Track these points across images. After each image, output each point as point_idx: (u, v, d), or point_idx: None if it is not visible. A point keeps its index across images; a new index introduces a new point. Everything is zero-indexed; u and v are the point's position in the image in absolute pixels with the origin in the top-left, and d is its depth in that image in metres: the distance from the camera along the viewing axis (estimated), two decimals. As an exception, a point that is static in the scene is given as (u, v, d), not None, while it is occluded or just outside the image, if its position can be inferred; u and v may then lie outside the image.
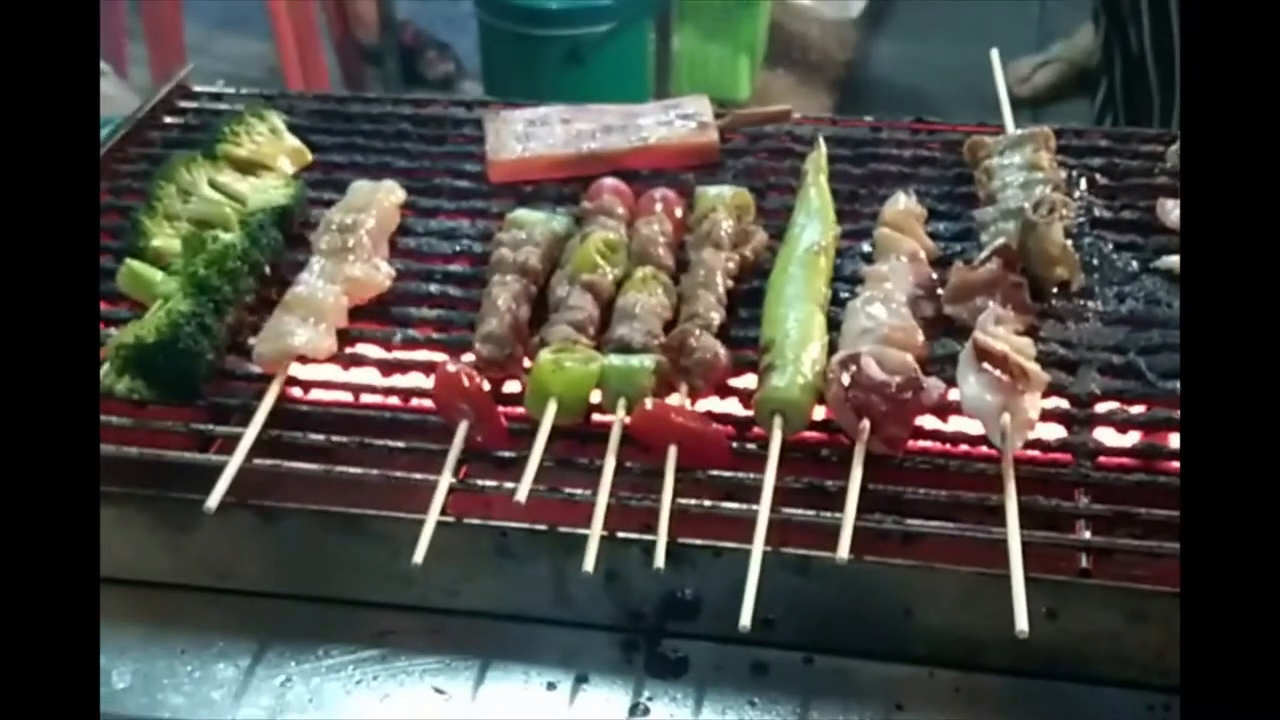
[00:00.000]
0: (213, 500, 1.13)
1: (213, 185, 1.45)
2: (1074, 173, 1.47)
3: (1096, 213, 1.42)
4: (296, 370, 1.28)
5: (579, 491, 1.15)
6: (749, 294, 1.33)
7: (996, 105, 1.59)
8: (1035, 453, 1.17)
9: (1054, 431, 1.19)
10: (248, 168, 1.50)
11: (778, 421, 1.17)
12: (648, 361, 1.21)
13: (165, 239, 1.38)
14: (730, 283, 1.32)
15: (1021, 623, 1.00)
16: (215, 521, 1.15)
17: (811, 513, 1.13)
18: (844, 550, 1.07)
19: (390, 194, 1.45)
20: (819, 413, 1.19)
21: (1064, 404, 1.21)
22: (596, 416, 1.22)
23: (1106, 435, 1.20)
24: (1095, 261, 1.36)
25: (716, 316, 1.27)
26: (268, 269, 1.36)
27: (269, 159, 1.52)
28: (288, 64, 3.52)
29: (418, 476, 1.17)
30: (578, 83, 3.37)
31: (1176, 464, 1.17)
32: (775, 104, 1.61)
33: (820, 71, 4.08)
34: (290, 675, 1.16)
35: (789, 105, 1.60)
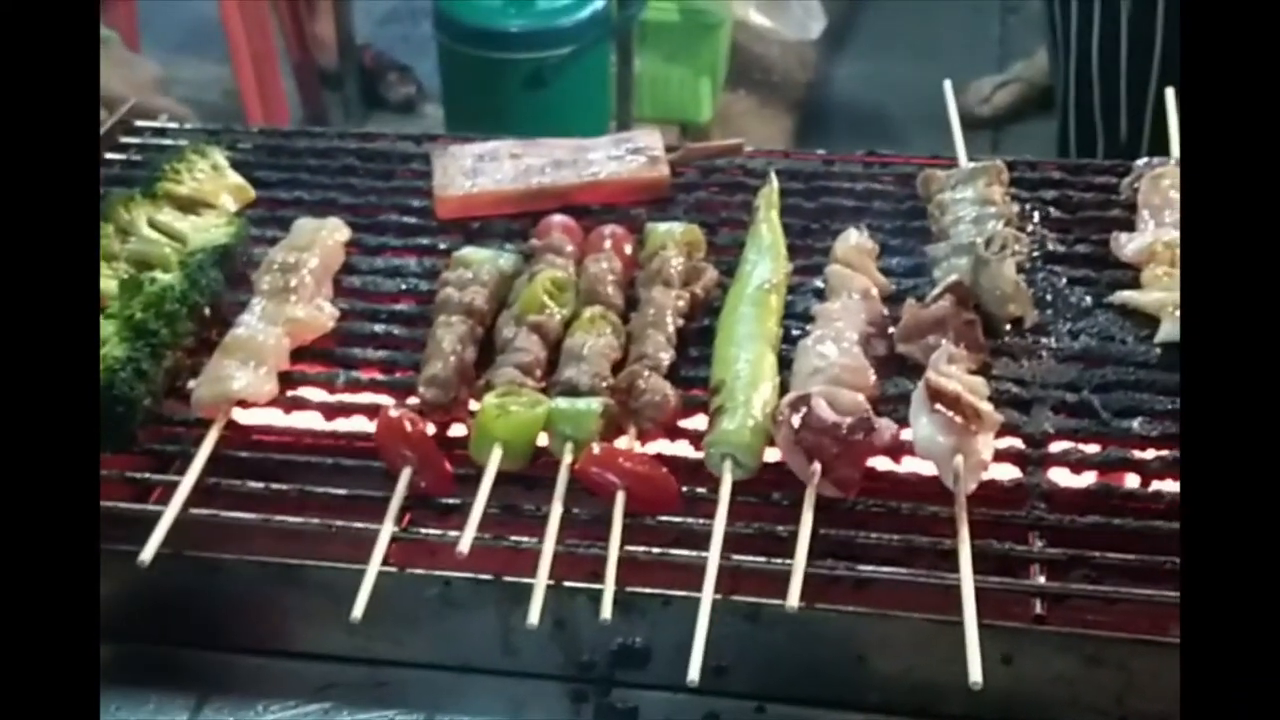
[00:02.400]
0: (147, 553, 1.10)
1: (152, 224, 1.42)
2: (1027, 206, 1.46)
3: (1050, 247, 1.41)
4: (237, 415, 1.25)
5: (525, 539, 1.13)
6: (699, 332, 1.31)
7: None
8: (989, 494, 1.15)
9: (1008, 472, 1.18)
10: (189, 206, 1.47)
11: (728, 465, 1.15)
12: (595, 404, 1.19)
13: (102, 280, 1.34)
14: (680, 321, 1.30)
15: (975, 674, 0.98)
16: (151, 573, 1.12)
17: (762, 559, 1.11)
18: (794, 599, 1.05)
19: (334, 232, 1.43)
20: (772, 454, 1.17)
21: (1018, 443, 1.20)
22: (544, 461, 1.19)
23: (1061, 475, 1.18)
24: (1048, 297, 1.34)
25: (666, 357, 1.25)
26: (208, 310, 1.33)
27: (210, 196, 1.49)
28: (246, 88, 3.49)
29: (360, 525, 1.14)
30: (539, 106, 3.35)
31: (1131, 504, 1.16)
32: (737, 126, 1.60)
33: (781, 93, 4.07)
34: (229, 732, 1.14)
35: (741, 139, 1.59)
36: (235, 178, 1.53)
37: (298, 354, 1.31)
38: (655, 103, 3.77)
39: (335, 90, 3.89)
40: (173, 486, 1.17)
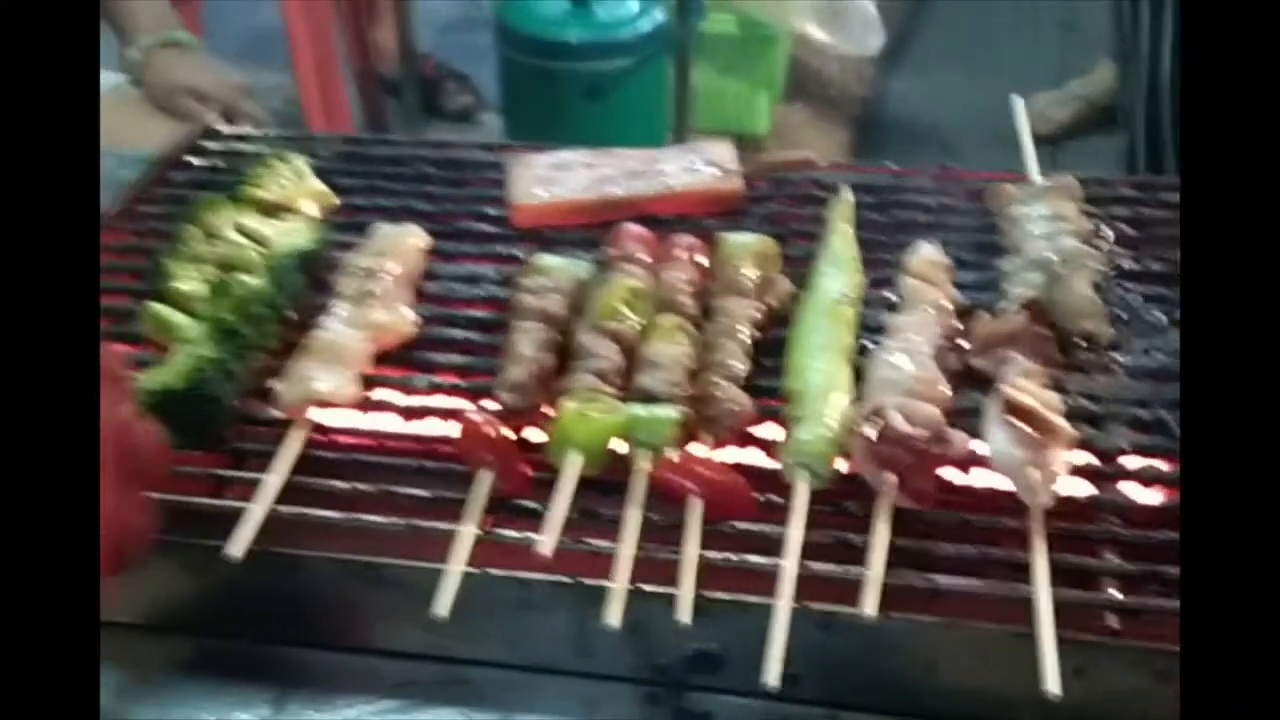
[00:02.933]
0: (237, 548, 1.13)
1: (237, 229, 1.45)
2: (1099, 223, 1.46)
3: (1122, 264, 1.42)
4: (318, 416, 1.28)
5: (602, 543, 1.14)
6: (773, 343, 1.33)
7: (1015, 143, 1.59)
8: (1063, 509, 1.16)
9: (1082, 487, 1.18)
10: (272, 210, 1.50)
11: (803, 474, 1.16)
12: (672, 412, 1.21)
13: (189, 282, 1.38)
14: (754, 331, 1.32)
15: (1053, 684, 0.99)
16: (236, 568, 1.14)
17: (837, 567, 1.12)
18: (870, 606, 1.06)
19: (413, 238, 1.45)
20: (846, 464, 1.18)
21: (1091, 459, 1.20)
22: (620, 466, 1.21)
23: (1134, 491, 1.19)
24: (1121, 314, 1.35)
25: (741, 366, 1.27)
26: (292, 314, 1.36)
27: (293, 202, 1.52)
28: (308, 96, 3.54)
29: (440, 525, 1.16)
30: (597, 117, 3.38)
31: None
32: (793, 140, 1.62)
33: (838, 107, 4.09)
34: (310, 726, 1.16)
35: (813, 152, 1.60)
36: (317, 183, 1.56)
37: (378, 358, 1.34)
38: (712, 115, 3.79)
39: (395, 98, 3.93)
40: (256, 484, 1.19)
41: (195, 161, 1.66)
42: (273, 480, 1.19)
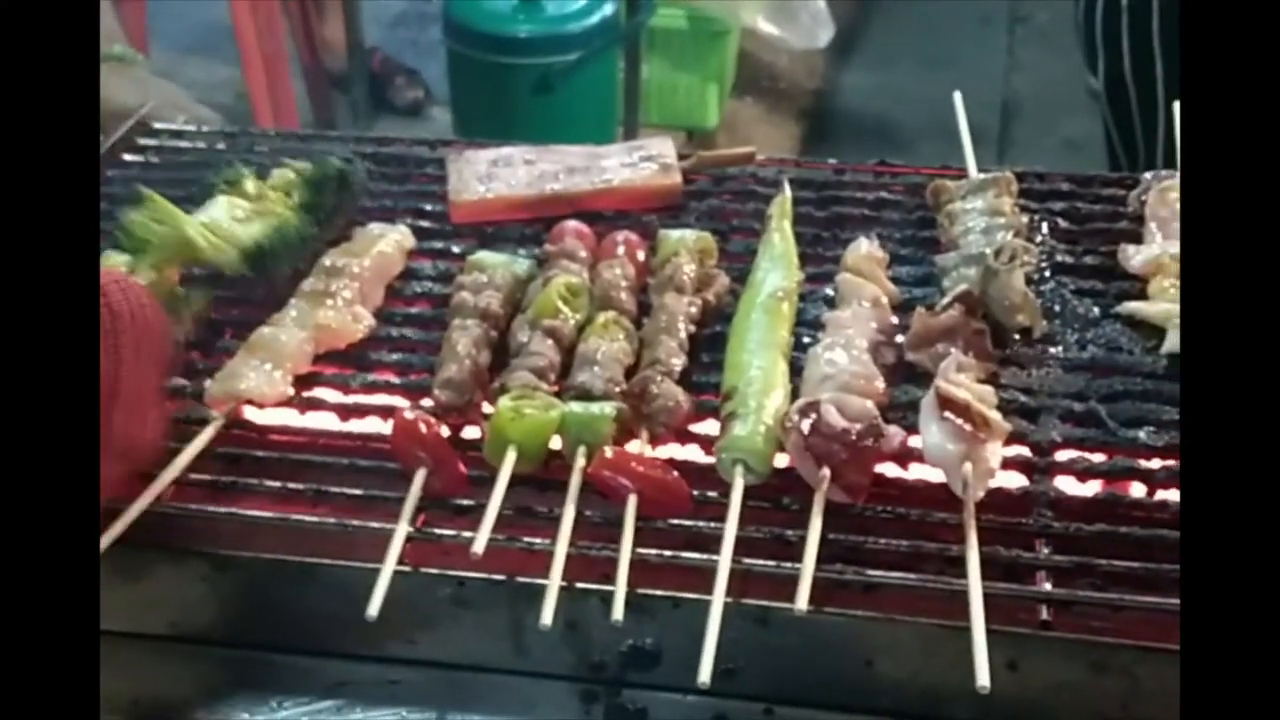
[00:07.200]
0: (106, 539, 1.10)
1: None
2: (1035, 217, 1.47)
3: (1058, 258, 1.42)
4: (253, 414, 1.26)
5: (538, 541, 1.14)
6: (711, 339, 1.33)
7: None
8: (996, 502, 1.17)
9: (1015, 480, 1.19)
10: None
11: (739, 470, 1.16)
12: (608, 409, 1.20)
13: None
14: (692, 327, 1.32)
15: (983, 678, 0.99)
16: (167, 569, 1.13)
17: (772, 563, 1.12)
18: (802, 601, 1.06)
19: (395, 239, 1.44)
20: (782, 460, 1.18)
21: (1025, 452, 1.21)
22: (556, 464, 1.21)
23: (1068, 484, 1.19)
24: (1056, 308, 1.36)
25: (678, 362, 1.27)
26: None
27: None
28: (255, 90, 3.51)
29: (375, 525, 1.16)
30: (547, 111, 3.37)
31: (1137, 513, 1.17)
32: (744, 133, 1.61)
33: (789, 100, 4.09)
34: (243, 728, 1.15)
35: (753, 148, 1.60)
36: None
37: (316, 355, 1.32)
38: (662, 109, 3.79)
39: (344, 93, 3.91)
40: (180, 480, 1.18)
41: (131, 158, 1.64)
42: (168, 474, 1.17)
